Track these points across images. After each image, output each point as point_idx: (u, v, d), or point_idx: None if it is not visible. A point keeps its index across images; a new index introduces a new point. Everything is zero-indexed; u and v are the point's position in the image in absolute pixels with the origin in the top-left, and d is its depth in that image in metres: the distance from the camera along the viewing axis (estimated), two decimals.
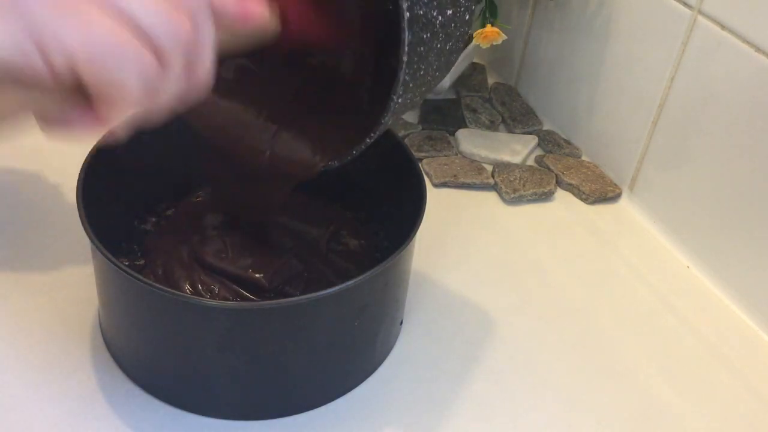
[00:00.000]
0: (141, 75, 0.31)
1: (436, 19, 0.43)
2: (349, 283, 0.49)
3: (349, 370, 0.56)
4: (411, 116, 0.85)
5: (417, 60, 0.43)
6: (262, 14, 0.38)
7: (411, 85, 0.44)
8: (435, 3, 0.42)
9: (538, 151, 0.82)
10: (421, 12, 0.41)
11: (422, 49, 0.43)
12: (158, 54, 0.31)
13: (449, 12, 0.44)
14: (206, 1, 0.33)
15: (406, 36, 0.40)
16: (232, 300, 0.57)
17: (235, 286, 0.57)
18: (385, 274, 0.52)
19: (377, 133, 0.47)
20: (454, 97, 0.88)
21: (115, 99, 0.31)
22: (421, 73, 0.44)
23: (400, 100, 0.43)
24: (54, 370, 0.55)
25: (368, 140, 0.48)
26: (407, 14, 0.39)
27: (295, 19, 0.42)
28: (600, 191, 0.77)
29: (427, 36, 0.43)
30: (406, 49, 0.41)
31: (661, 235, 0.74)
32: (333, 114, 0.53)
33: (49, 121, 0.32)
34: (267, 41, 0.40)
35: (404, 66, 0.41)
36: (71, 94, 0.31)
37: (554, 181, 0.77)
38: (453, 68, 0.82)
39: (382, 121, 0.45)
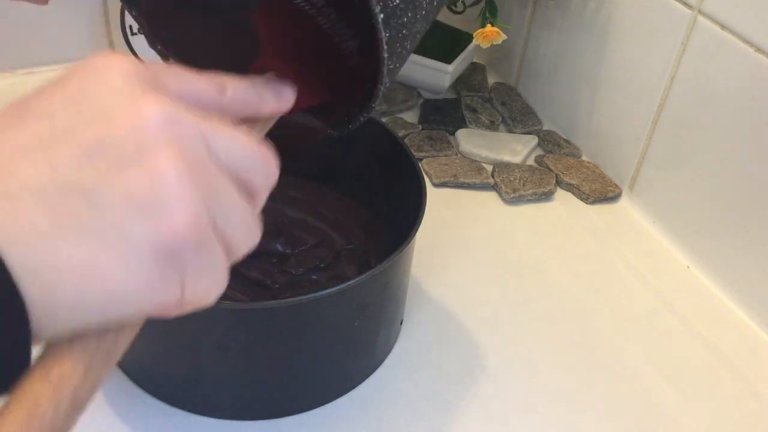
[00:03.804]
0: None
1: None
2: (349, 283, 0.49)
3: (349, 370, 0.56)
4: (411, 116, 0.85)
5: (399, 45, 0.41)
6: (291, 98, 0.38)
7: (397, 64, 0.43)
8: None
9: (538, 151, 0.82)
10: (396, 1, 0.39)
11: (404, 32, 0.41)
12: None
13: None
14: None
15: (383, 36, 0.38)
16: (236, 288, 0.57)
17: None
18: (385, 274, 0.52)
19: (375, 102, 0.46)
20: (454, 97, 0.88)
21: (194, 308, 0.30)
22: (407, 46, 0.43)
23: (387, 82, 0.43)
24: None
25: (364, 115, 0.47)
26: (381, 15, 0.37)
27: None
28: (600, 191, 0.77)
29: (407, 17, 0.41)
30: (386, 47, 0.39)
31: (661, 235, 0.74)
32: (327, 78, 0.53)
33: None
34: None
35: (386, 61, 0.40)
36: None
37: (554, 181, 0.77)
38: (453, 68, 0.83)
39: (373, 104, 0.45)
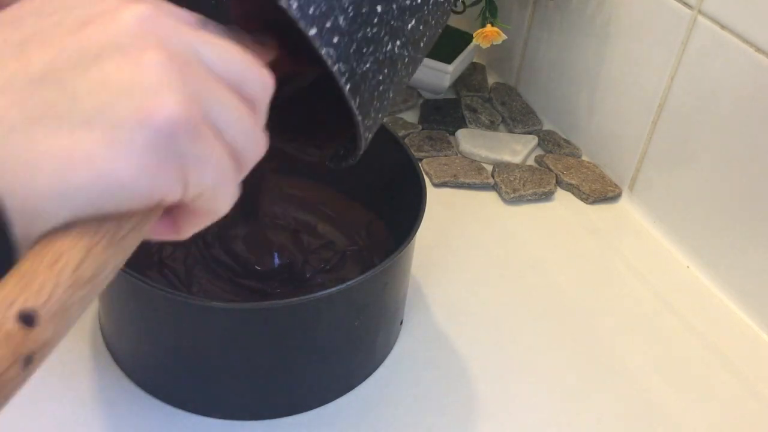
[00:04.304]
0: (235, 194, 0.30)
1: (393, 51, 0.39)
2: (349, 283, 0.49)
3: (349, 370, 0.56)
4: (411, 116, 0.85)
5: (377, 101, 0.40)
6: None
7: (380, 114, 0.41)
8: (385, 36, 0.38)
9: (538, 151, 0.82)
10: (366, 65, 0.37)
11: (380, 89, 0.39)
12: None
13: (410, 26, 0.40)
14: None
15: (353, 104, 0.37)
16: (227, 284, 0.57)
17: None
18: (385, 274, 0.52)
19: (360, 153, 0.46)
20: (454, 97, 0.88)
21: (206, 217, 0.30)
22: (389, 96, 0.41)
23: (369, 136, 0.41)
24: (54, 370, 0.55)
25: (351, 160, 0.46)
26: (348, 86, 0.36)
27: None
28: (600, 191, 0.77)
29: (383, 75, 0.39)
30: (357, 112, 0.38)
31: (661, 235, 0.74)
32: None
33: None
34: None
35: (360, 123, 0.39)
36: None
37: (554, 181, 0.77)
38: (453, 68, 0.83)
39: (358, 153, 0.44)
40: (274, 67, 0.38)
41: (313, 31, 0.34)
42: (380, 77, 0.38)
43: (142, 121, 0.25)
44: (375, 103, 0.39)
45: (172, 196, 0.27)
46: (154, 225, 0.29)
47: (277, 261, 0.59)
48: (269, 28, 0.40)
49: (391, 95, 0.41)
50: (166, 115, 0.25)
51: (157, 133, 0.25)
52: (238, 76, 0.29)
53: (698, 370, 0.62)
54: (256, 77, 0.30)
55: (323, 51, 0.34)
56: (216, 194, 0.28)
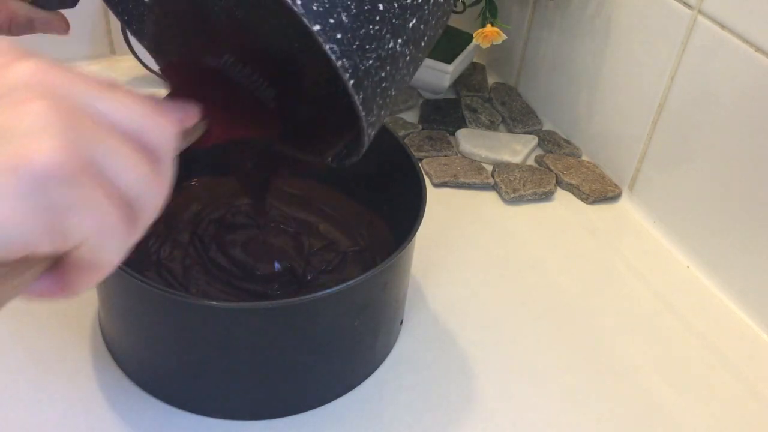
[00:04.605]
0: (126, 244, 0.29)
1: (394, 48, 0.39)
2: (349, 283, 0.49)
3: (349, 370, 0.56)
4: (411, 116, 0.85)
5: (379, 98, 0.40)
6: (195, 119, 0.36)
7: (383, 112, 0.42)
8: (387, 34, 0.38)
9: (538, 151, 0.82)
10: (369, 62, 0.37)
11: (383, 85, 0.40)
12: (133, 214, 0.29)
13: (411, 24, 0.40)
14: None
15: (357, 99, 0.37)
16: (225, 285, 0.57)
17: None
18: (385, 274, 0.52)
19: (362, 151, 0.46)
20: (454, 97, 0.88)
21: (93, 272, 0.28)
22: (391, 93, 0.42)
23: (372, 133, 0.41)
24: (54, 370, 0.55)
25: (353, 158, 0.46)
26: (351, 81, 0.36)
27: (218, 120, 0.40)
28: (600, 191, 0.77)
29: (385, 72, 0.39)
30: (361, 107, 0.38)
31: (661, 235, 0.74)
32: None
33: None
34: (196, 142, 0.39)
35: (364, 119, 0.39)
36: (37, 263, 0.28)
37: (554, 181, 0.77)
38: (453, 68, 0.83)
39: (361, 151, 0.44)
40: (209, 135, 0.38)
41: (317, 27, 0.34)
42: (383, 74, 0.39)
43: (15, 166, 0.24)
44: (378, 99, 0.40)
45: (43, 247, 0.26)
46: (37, 281, 0.28)
47: (277, 266, 0.59)
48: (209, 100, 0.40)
49: (393, 93, 0.42)
50: (41, 161, 0.24)
51: (30, 180, 0.24)
52: (136, 125, 0.28)
53: (698, 370, 0.62)
54: (156, 125, 0.29)
55: (327, 47, 0.34)
56: (101, 246, 0.27)
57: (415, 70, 0.44)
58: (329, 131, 0.50)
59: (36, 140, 0.24)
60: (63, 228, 0.26)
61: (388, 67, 0.39)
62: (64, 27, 0.57)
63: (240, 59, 0.46)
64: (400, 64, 0.41)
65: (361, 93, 0.37)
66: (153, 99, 0.31)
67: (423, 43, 0.42)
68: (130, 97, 0.29)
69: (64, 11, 0.59)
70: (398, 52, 0.40)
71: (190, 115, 0.36)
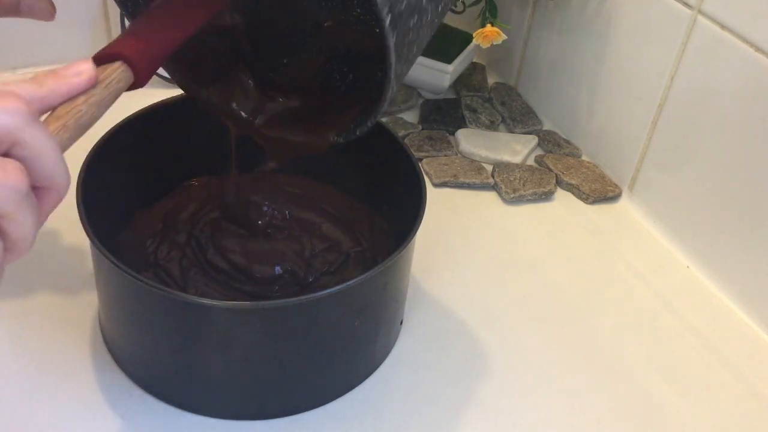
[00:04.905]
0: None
1: (421, 1, 0.41)
2: (349, 283, 0.49)
3: (349, 370, 0.56)
4: (411, 116, 0.85)
5: (406, 49, 0.41)
6: (88, 71, 0.37)
7: (404, 69, 0.43)
8: None
9: (538, 151, 0.82)
10: (403, 5, 0.39)
11: (410, 36, 0.41)
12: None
13: None
14: (22, 112, 0.31)
15: (391, 41, 0.39)
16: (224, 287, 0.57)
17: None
18: (385, 274, 0.52)
19: (383, 107, 0.46)
20: (454, 97, 0.88)
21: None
22: (414, 50, 0.43)
23: (394, 87, 0.43)
24: (54, 370, 0.55)
25: (372, 120, 0.47)
26: (388, 18, 0.38)
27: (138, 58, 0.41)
28: (600, 191, 0.77)
29: (413, 21, 0.41)
30: (393, 51, 0.39)
31: (661, 235, 0.74)
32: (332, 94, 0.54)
33: None
34: (130, 84, 0.40)
35: (393, 65, 0.40)
36: None
37: (554, 181, 0.77)
38: (453, 68, 0.83)
39: (381, 108, 0.45)
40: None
41: None
42: (410, 24, 0.40)
43: None
44: (404, 50, 0.41)
45: None
46: None
47: (278, 270, 0.59)
48: None
49: (414, 51, 0.43)
50: None
51: None
52: None
53: (698, 370, 0.62)
54: None
55: None
56: None
57: (429, 35, 0.46)
58: (329, 111, 0.51)
59: None
60: None
61: (415, 17, 0.40)
62: (50, 12, 0.55)
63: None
64: (423, 21, 0.42)
65: (394, 36, 0.38)
66: None
67: (440, 8, 0.44)
68: None
69: (65, 7, 0.58)
70: (423, 7, 0.41)
71: (85, 75, 0.37)
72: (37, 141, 0.31)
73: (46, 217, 0.33)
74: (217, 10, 0.48)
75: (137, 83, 0.40)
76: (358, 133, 0.49)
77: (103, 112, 0.37)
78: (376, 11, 0.37)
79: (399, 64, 0.41)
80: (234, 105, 0.55)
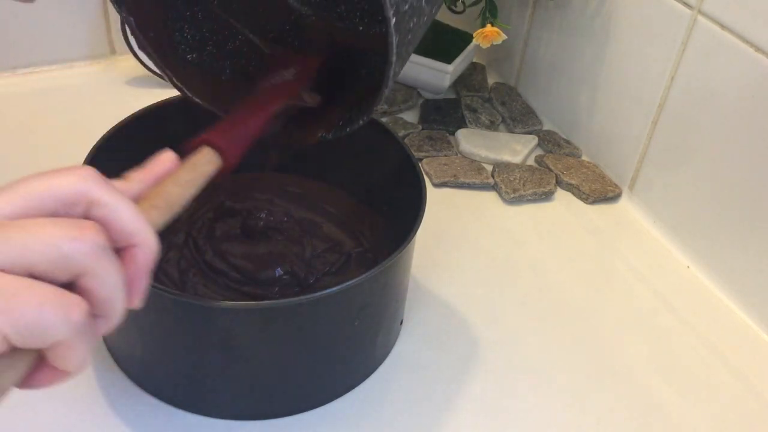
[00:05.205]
0: (73, 322, 0.29)
1: (420, 2, 0.42)
2: (349, 283, 0.49)
3: (349, 370, 0.56)
4: (411, 116, 0.85)
5: (404, 49, 0.42)
6: (171, 158, 0.38)
7: (400, 66, 0.44)
8: None
9: (538, 151, 0.82)
10: (406, 6, 0.40)
11: (409, 37, 0.42)
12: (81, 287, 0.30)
13: None
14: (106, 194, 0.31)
15: (393, 40, 0.39)
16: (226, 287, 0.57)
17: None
18: (385, 274, 0.52)
19: (377, 105, 0.47)
20: (454, 97, 0.88)
21: (64, 352, 0.29)
22: (410, 50, 0.44)
23: (390, 85, 0.43)
24: None
25: (364, 119, 0.47)
26: (393, 20, 0.39)
27: (226, 145, 0.43)
28: (600, 191, 0.77)
29: (413, 23, 0.42)
30: (395, 50, 0.40)
31: (661, 235, 0.74)
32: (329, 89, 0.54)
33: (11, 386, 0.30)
34: (217, 173, 0.42)
35: (393, 65, 0.41)
36: (20, 358, 0.29)
37: (554, 181, 0.77)
38: (453, 68, 0.83)
39: (375, 107, 0.45)
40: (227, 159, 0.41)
41: None
42: (410, 24, 0.41)
43: None
44: (403, 49, 0.42)
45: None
46: (36, 377, 0.30)
47: (278, 272, 0.59)
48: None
49: (410, 50, 0.44)
50: None
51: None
52: (53, 261, 0.29)
53: (698, 370, 0.62)
54: (72, 252, 0.29)
55: None
56: (40, 334, 0.28)
57: (421, 36, 0.47)
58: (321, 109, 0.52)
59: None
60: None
61: (415, 18, 0.41)
62: None
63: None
64: (420, 22, 0.43)
65: (397, 36, 0.39)
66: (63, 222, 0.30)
67: (434, 10, 0.45)
68: (38, 229, 0.29)
69: (65, 7, 0.58)
70: (422, 9, 0.42)
71: (169, 163, 0.38)
72: (110, 198, 0.31)
73: (139, 281, 0.33)
74: (294, 95, 0.51)
75: (226, 166, 0.43)
76: (348, 131, 0.49)
77: (192, 192, 0.39)
78: (385, 10, 0.38)
79: (398, 63, 0.41)
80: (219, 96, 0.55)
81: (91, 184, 0.31)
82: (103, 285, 0.30)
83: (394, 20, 0.38)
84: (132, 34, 0.51)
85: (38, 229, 0.28)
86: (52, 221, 0.29)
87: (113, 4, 0.51)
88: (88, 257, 0.29)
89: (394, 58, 0.40)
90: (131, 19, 0.51)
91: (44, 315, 0.28)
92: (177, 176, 0.38)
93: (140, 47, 0.53)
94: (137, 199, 0.35)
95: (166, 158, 0.38)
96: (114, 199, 0.31)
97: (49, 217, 0.29)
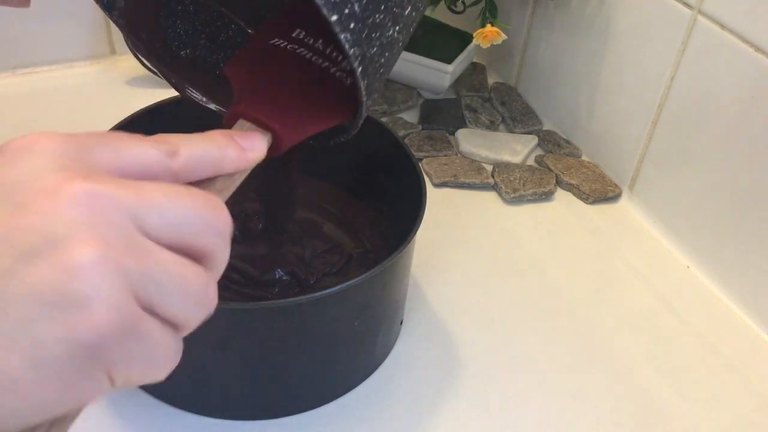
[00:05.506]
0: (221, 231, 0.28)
1: (393, 35, 0.41)
2: (349, 283, 0.49)
3: (349, 370, 0.56)
4: (411, 116, 0.85)
5: (377, 83, 0.42)
6: (261, 148, 0.35)
7: (376, 94, 0.44)
8: (389, 21, 0.40)
9: (538, 151, 0.82)
10: (374, 49, 0.39)
11: (381, 71, 0.41)
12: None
13: (407, 12, 0.42)
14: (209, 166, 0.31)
15: (361, 85, 0.39)
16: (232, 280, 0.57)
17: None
18: (385, 274, 0.52)
19: (353, 131, 0.47)
20: (454, 97, 0.88)
21: (143, 381, 0.29)
22: (384, 77, 0.43)
23: (364, 115, 0.43)
24: None
25: (343, 138, 0.47)
26: (359, 68, 0.38)
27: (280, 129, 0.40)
28: (600, 191, 0.77)
29: (384, 58, 0.41)
30: (364, 92, 0.39)
31: (661, 235, 0.74)
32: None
33: None
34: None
35: (364, 103, 0.41)
36: None
37: (554, 181, 0.77)
38: (453, 68, 0.83)
39: (352, 131, 0.45)
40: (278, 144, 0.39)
41: (334, 18, 0.36)
42: (382, 60, 0.41)
43: (68, 338, 0.24)
44: (376, 84, 0.42)
45: (99, 393, 0.26)
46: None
47: (278, 274, 0.59)
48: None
49: (385, 77, 0.44)
50: (93, 329, 0.24)
51: (83, 348, 0.24)
52: (188, 232, 0.27)
53: (698, 370, 0.62)
54: (209, 227, 0.28)
55: (342, 36, 0.36)
56: (152, 371, 0.28)
57: (399, 54, 0.46)
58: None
59: (88, 307, 0.24)
60: (116, 375, 0.26)
61: (387, 53, 0.41)
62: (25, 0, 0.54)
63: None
64: (395, 50, 0.43)
65: (366, 79, 0.39)
66: (204, 193, 0.28)
67: (412, 28, 0.45)
68: (177, 196, 0.27)
69: (65, 7, 0.58)
70: (395, 39, 0.42)
71: (256, 150, 0.35)
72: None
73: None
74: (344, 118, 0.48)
75: (273, 152, 0.40)
76: (331, 144, 0.49)
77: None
78: (350, 62, 0.37)
79: (369, 99, 0.41)
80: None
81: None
82: (218, 271, 0.29)
83: (360, 69, 0.38)
84: (125, 38, 0.50)
85: (180, 195, 0.27)
86: (189, 191, 0.28)
87: (103, 10, 0.51)
88: (222, 237, 0.28)
89: (364, 98, 0.40)
90: (122, 21, 0.51)
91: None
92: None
93: (135, 49, 0.52)
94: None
95: (257, 147, 0.35)
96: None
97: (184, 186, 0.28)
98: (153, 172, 0.28)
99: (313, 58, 0.48)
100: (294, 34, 0.48)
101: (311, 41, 0.48)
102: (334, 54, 0.48)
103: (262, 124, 0.39)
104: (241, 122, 0.39)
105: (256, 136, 0.36)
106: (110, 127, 0.57)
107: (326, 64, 0.48)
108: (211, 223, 0.28)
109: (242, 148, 0.33)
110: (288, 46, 0.48)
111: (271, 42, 0.48)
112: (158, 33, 0.54)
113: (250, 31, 0.56)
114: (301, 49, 0.48)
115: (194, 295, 0.27)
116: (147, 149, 0.28)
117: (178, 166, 0.30)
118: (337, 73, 0.48)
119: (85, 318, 0.24)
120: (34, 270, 0.24)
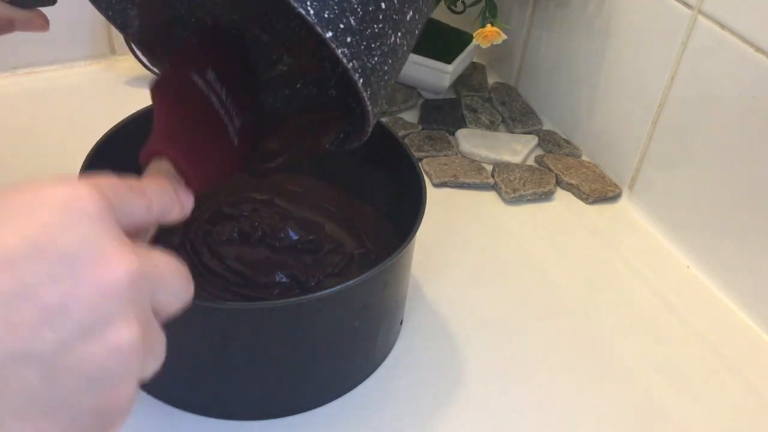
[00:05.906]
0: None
1: (394, 42, 0.41)
2: (349, 283, 0.49)
3: (349, 370, 0.56)
4: (411, 116, 0.85)
5: (382, 90, 0.42)
6: (191, 206, 0.39)
7: (384, 100, 0.44)
8: (389, 30, 0.40)
9: (538, 151, 0.82)
10: (375, 59, 0.39)
11: (385, 78, 0.41)
12: None
13: (408, 17, 0.42)
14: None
15: (365, 95, 0.39)
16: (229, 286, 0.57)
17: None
18: (385, 274, 0.52)
19: (364, 137, 0.47)
20: (454, 97, 0.88)
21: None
22: (390, 82, 0.43)
23: (374, 120, 0.43)
24: None
25: (356, 143, 0.47)
26: (360, 80, 0.38)
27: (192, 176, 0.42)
28: (600, 191, 0.77)
29: (387, 65, 0.41)
30: (368, 102, 0.40)
31: (661, 235, 0.74)
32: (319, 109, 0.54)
33: None
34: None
35: (370, 112, 0.41)
36: None
37: (554, 181, 0.77)
38: (453, 68, 0.83)
39: (363, 137, 0.45)
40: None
41: (329, 34, 0.36)
42: (386, 68, 0.41)
43: (98, 411, 0.26)
44: (381, 91, 0.41)
45: None
46: None
47: (279, 277, 0.59)
48: None
49: (393, 82, 0.44)
50: (116, 405, 0.27)
51: (103, 419, 0.27)
52: (171, 305, 0.31)
53: (698, 370, 0.62)
54: (186, 297, 0.32)
55: (339, 51, 0.36)
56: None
57: (408, 55, 0.46)
58: (319, 125, 0.51)
59: (117, 385, 0.27)
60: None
61: (390, 61, 0.41)
62: (44, 24, 0.57)
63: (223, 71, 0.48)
64: (399, 55, 0.42)
65: (369, 89, 0.39)
66: (182, 266, 0.32)
67: (417, 31, 0.44)
68: (175, 267, 0.31)
69: (65, 7, 0.58)
70: (398, 45, 0.41)
71: (188, 207, 0.39)
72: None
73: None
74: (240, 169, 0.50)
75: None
76: (345, 148, 0.49)
77: None
78: (350, 76, 0.38)
79: (376, 107, 0.41)
80: None
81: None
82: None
83: (361, 80, 0.38)
84: (139, 58, 0.50)
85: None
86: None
87: (119, 30, 0.51)
88: (185, 305, 0.32)
89: (369, 107, 0.40)
90: (136, 39, 0.51)
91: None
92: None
93: (151, 65, 0.53)
94: None
95: (186, 204, 0.39)
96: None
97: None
98: (141, 227, 0.33)
99: (219, 110, 0.48)
100: (207, 76, 0.48)
101: (218, 87, 0.48)
102: (231, 107, 0.48)
103: (179, 169, 0.40)
104: (157, 161, 0.40)
105: (189, 193, 0.39)
106: (110, 127, 0.57)
107: (226, 117, 0.47)
108: (187, 295, 0.32)
109: (182, 205, 0.37)
110: (204, 87, 0.47)
111: (192, 78, 0.47)
112: (170, 45, 0.54)
113: (264, 38, 0.56)
114: (212, 96, 0.47)
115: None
116: (140, 206, 0.32)
117: (152, 219, 0.34)
118: (228, 128, 0.48)
119: (113, 394, 0.26)
120: (87, 347, 0.25)
